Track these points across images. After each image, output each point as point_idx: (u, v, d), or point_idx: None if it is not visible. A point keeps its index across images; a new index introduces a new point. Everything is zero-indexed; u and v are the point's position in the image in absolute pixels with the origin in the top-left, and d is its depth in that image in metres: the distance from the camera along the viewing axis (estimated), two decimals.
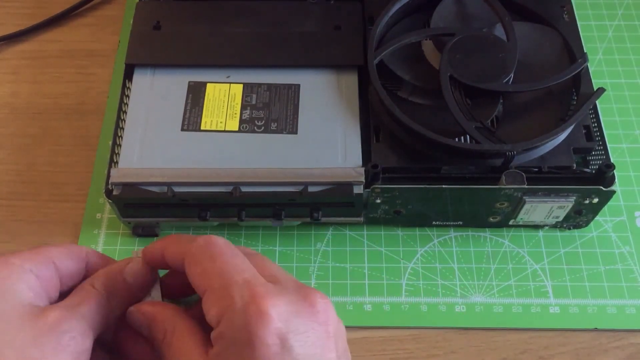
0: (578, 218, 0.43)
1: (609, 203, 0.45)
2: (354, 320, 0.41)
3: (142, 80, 0.44)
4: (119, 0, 0.56)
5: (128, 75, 0.44)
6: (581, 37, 0.45)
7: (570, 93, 0.43)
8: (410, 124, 0.38)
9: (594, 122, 0.42)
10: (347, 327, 0.41)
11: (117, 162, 0.40)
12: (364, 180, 0.39)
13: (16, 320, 0.29)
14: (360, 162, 0.40)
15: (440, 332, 0.41)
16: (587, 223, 0.44)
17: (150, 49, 0.45)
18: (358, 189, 0.39)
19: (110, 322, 0.33)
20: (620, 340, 0.41)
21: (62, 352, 0.29)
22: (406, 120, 0.39)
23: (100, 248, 0.43)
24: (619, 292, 0.42)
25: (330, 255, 0.44)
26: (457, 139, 0.40)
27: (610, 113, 0.50)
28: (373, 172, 0.38)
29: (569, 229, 0.45)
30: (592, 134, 0.41)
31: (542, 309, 0.42)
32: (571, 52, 0.43)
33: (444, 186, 0.39)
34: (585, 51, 0.43)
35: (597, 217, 0.44)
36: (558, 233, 0.45)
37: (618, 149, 0.48)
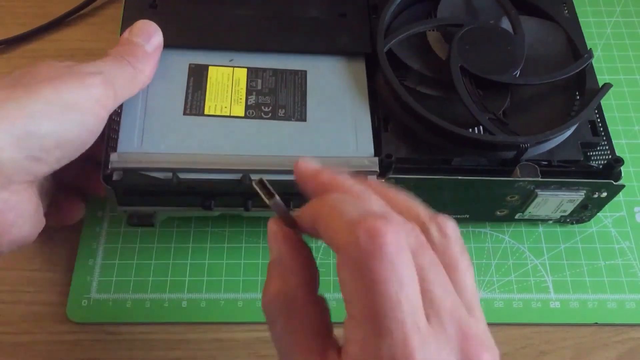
0: (582, 213, 0.43)
1: None
2: None
3: None
4: (119, 0, 0.56)
5: None
6: (583, 33, 0.45)
7: (574, 88, 0.43)
8: (424, 114, 0.38)
9: (597, 118, 0.42)
10: None
11: (114, 147, 0.38)
12: (378, 170, 0.38)
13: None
14: (372, 152, 0.39)
15: None
16: (590, 218, 0.44)
17: None
18: (372, 179, 0.38)
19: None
20: (620, 335, 0.41)
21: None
22: (421, 110, 0.38)
23: (102, 246, 0.43)
24: (619, 287, 0.43)
25: (331, 252, 0.44)
26: (475, 130, 0.40)
27: (609, 109, 0.50)
28: (387, 162, 0.38)
29: (572, 223, 0.45)
30: (598, 129, 0.41)
31: (543, 304, 0.42)
32: (574, 47, 0.43)
33: (460, 177, 0.38)
34: (589, 47, 0.44)
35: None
36: (558, 228, 0.45)
37: (618, 145, 0.48)
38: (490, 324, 0.41)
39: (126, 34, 0.37)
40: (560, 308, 0.42)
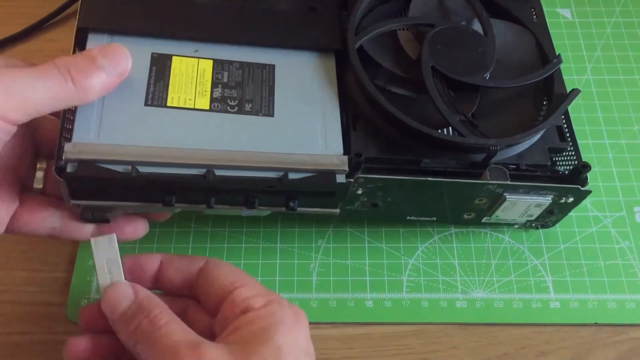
0: (547, 218, 0.43)
1: (608, 198, 0.46)
2: (355, 316, 0.41)
3: None
4: None
5: (79, 42, 0.39)
6: (551, 37, 0.44)
7: (541, 92, 0.43)
8: (396, 113, 0.38)
9: (564, 123, 0.42)
10: (349, 324, 0.41)
11: (68, 137, 0.35)
12: (347, 169, 0.37)
13: None
14: (341, 150, 0.38)
15: (442, 328, 0.41)
16: (554, 223, 0.44)
17: (108, 13, 0.40)
18: (341, 178, 0.37)
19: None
20: (620, 335, 0.41)
21: None
22: (392, 110, 0.38)
23: None
24: (619, 287, 0.43)
25: (332, 252, 0.44)
26: (444, 131, 0.39)
27: (609, 109, 0.50)
28: (356, 162, 0.37)
29: (537, 228, 0.45)
30: (564, 134, 0.41)
31: (543, 304, 0.42)
32: (543, 52, 0.43)
33: (430, 179, 0.38)
34: (560, 52, 0.43)
35: (597, 213, 0.45)
36: (558, 229, 0.45)
37: (617, 145, 0.49)
38: (490, 324, 0.42)
39: (95, 51, 0.34)
40: (560, 308, 0.42)
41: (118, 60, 0.34)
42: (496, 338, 0.41)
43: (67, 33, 0.54)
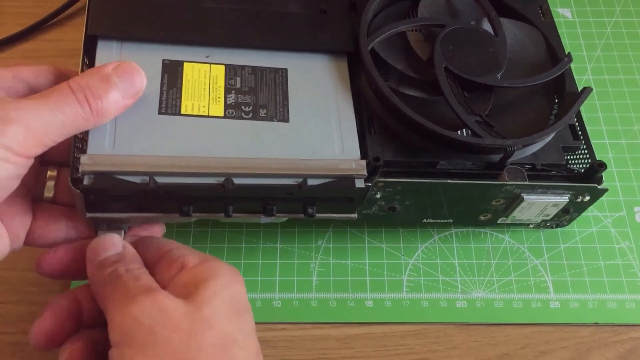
0: (562, 217, 0.43)
1: (608, 198, 0.46)
2: (355, 316, 0.41)
3: (107, 56, 0.38)
4: None
5: (88, 50, 0.38)
6: (559, 35, 0.44)
7: (552, 91, 0.43)
8: (413, 116, 0.37)
9: (576, 121, 0.42)
10: (349, 324, 0.41)
11: (83, 148, 0.35)
12: (366, 174, 0.37)
13: None
14: (358, 155, 0.37)
15: (442, 328, 0.41)
16: (569, 222, 0.44)
17: (117, 19, 0.39)
18: (360, 183, 0.37)
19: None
20: (620, 335, 0.41)
21: None
22: (409, 112, 0.38)
23: None
24: (618, 287, 0.43)
25: (332, 252, 0.44)
26: (459, 132, 0.39)
27: (609, 109, 0.50)
28: (374, 166, 0.37)
29: (552, 227, 0.45)
30: (577, 133, 0.41)
31: (543, 304, 0.42)
32: (552, 50, 0.43)
33: (449, 181, 0.38)
34: (568, 51, 0.43)
35: (597, 213, 0.44)
36: (558, 229, 0.45)
37: (617, 145, 0.49)
38: (490, 324, 0.42)
39: (109, 68, 0.33)
40: (560, 308, 0.42)
41: (133, 81, 0.34)
42: (496, 338, 0.41)
43: (67, 33, 0.54)
